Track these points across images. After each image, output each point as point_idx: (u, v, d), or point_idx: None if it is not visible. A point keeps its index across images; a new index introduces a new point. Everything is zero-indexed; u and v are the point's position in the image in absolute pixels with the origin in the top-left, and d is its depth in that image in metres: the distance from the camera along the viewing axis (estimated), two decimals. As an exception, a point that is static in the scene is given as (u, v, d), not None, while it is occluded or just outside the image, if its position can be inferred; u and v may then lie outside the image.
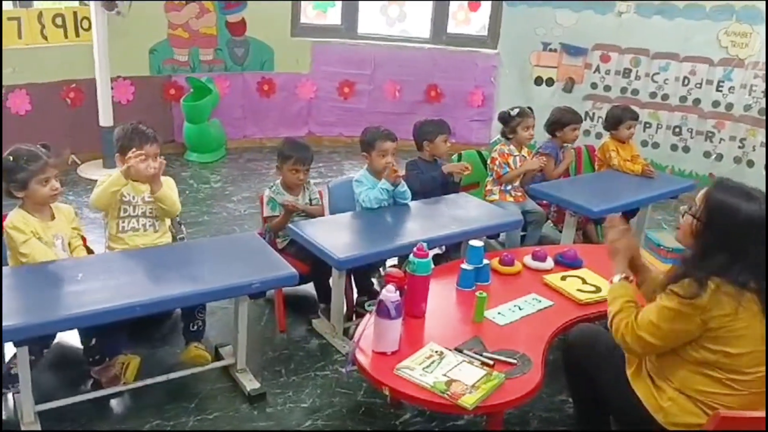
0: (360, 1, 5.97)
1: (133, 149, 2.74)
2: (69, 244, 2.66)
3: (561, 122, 4.16)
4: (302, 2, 5.87)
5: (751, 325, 1.82)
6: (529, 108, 4.05)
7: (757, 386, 1.90)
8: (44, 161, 2.52)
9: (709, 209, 1.88)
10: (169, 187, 2.89)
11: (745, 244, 1.80)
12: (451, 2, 6.05)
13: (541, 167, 3.97)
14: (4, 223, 2.50)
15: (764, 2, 4.87)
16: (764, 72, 4.96)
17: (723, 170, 5.24)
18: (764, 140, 5.00)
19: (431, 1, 6.01)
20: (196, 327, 2.73)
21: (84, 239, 2.81)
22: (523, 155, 3.98)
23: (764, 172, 4.90)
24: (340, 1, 5.95)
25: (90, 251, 2.81)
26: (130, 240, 2.82)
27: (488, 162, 4.02)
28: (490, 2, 5.97)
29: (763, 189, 1.92)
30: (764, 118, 5.00)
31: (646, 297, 2.20)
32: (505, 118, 4.02)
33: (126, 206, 2.81)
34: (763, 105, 4.99)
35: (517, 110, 3.99)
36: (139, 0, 5.01)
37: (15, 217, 2.51)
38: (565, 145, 4.21)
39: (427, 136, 3.71)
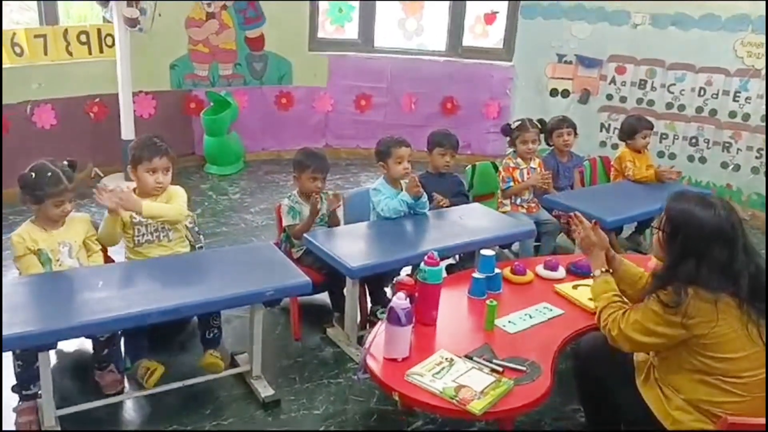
0: (376, 15, 6.06)
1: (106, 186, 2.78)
2: (87, 249, 2.72)
3: (547, 130, 4.16)
4: (320, 18, 5.97)
5: (734, 327, 1.89)
6: (540, 120, 4.05)
7: (759, 390, 1.91)
8: (63, 187, 2.56)
9: (669, 219, 2.01)
10: (170, 197, 2.89)
11: (705, 247, 1.90)
12: (467, 16, 6.11)
13: (544, 185, 3.89)
14: (12, 234, 2.60)
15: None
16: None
17: (740, 180, 5.22)
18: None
19: (447, 16, 6.07)
20: (211, 335, 2.79)
21: (105, 250, 2.88)
22: (532, 167, 3.97)
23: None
24: (357, 15, 6.03)
25: (110, 261, 2.90)
26: (146, 251, 2.86)
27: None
28: (506, 15, 6.02)
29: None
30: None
31: (624, 290, 2.28)
32: (505, 131, 4.04)
33: (138, 226, 2.83)
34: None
35: (517, 123, 4.01)
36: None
37: (22, 230, 2.61)
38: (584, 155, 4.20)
39: (428, 146, 3.76)
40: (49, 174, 2.56)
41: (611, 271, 2.31)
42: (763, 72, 5.04)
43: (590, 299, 2.65)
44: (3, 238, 3.92)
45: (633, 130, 4.23)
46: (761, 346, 1.89)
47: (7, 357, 2.50)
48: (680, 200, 2.02)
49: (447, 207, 3.58)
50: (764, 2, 4.91)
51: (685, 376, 1.97)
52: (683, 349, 1.95)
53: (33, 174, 2.56)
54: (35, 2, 4.92)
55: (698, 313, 1.88)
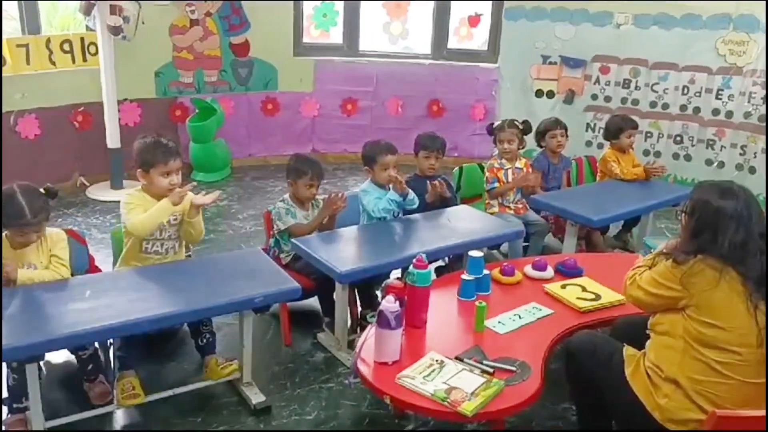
0: (361, 19, 6.07)
1: (187, 180, 2.73)
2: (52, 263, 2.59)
3: (542, 131, 4.20)
4: (305, 23, 5.98)
5: (731, 299, 1.98)
6: (525, 122, 4.06)
7: (749, 374, 1.98)
8: (24, 221, 2.42)
9: (691, 203, 2.14)
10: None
11: (722, 225, 2.02)
12: (451, 19, 6.14)
13: (530, 185, 3.92)
14: None
15: (764, 11, 4.91)
16: (763, 79, 5.00)
17: (725, 177, 5.17)
18: (765, 147, 5.03)
19: (431, 19, 6.09)
20: (204, 341, 2.78)
21: (92, 258, 2.86)
22: (518, 167, 3.97)
23: (765, 178, 4.92)
24: (341, 20, 6.04)
25: (98, 270, 2.88)
26: (149, 259, 2.81)
27: (486, 176, 4.05)
28: (490, 17, 6.05)
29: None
30: (764, 124, 5.02)
31: None
32: (489, 130, 4.07)
33: (157, 231, 2.78)
34: (763, 112, 5.02)
35: (498, 123, 4.04)
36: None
37: None
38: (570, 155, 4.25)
39: (414, 149, 3.77)
40: (13, 206, 2.42)
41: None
42: (745, 69, 5.10)
43: (579, 299, 2.69)
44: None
45: (618, 129, 4.27)
46: (757, 328, 1.96)
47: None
48: (703, 188, 2.15)
49: (443, 191, 3.55)
50: (743, 1, 4.97)
51: (674, 351, 2.04)
52: (679, 315, 2.05)
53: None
54: (17, 12, 4.88)
55: (700, 274, 2.00)
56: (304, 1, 5.90)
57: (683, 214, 2.16)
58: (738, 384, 1.98)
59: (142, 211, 2.69)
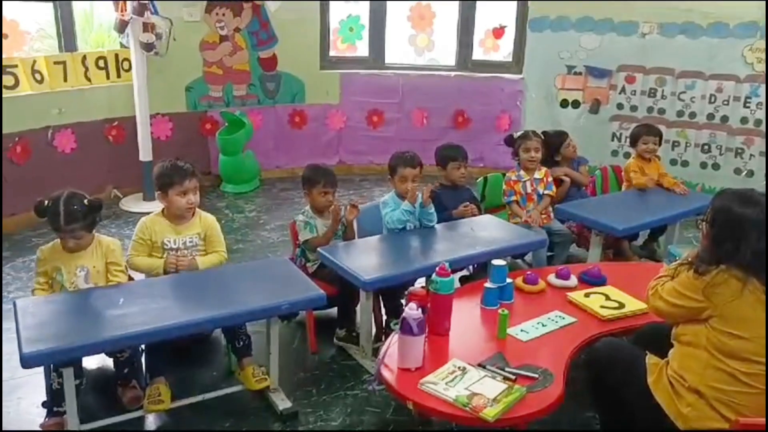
0: (387, 32, 6.16)
1: (173, 254, 2.88)
2: (109, 273, 2.78)
3: (554, 147, 4.24)
4: (331, 37, 6.08)
5: (755, 309, 1.98)
6: (544, 132, 4.08)
7: None
8: (58, 226, 2.64)
9: (713, 211, 2.13)
10: (207, 227, 3.00)
11: (744, 233, 2.01)
12: (476, 31, 6.17)
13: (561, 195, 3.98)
14: (41, 247, 2.77)
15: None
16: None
17: (755, 186, 5.16)
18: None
19: (456, 30, 6.15)
20: (242, 343, 2.84)
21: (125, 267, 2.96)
22: (536, 178, 3.95)
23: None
24: (367, 33, 6.13)
25: (131, 279, 2.98)
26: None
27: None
28: (514, 28, 6.09)
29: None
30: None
31: None
32: (508, 141, 4.10)
33: (170, 252, 2.91)
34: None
35: (520, 132, 4.06)
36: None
37: (49, 246, 2.76)
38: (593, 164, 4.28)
39: (441, 162, 3.81)
40: (53, 211, 2.64)
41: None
42: (772, 77, 5.06)
43: (603, 307, 2.70)
44: (15, 260, 4.04)
45: (636, 137, 4.29)
46: None
47: (38, 373, 2.58)
48: (723, 195, 2.14)
49: (474, 215, 3.66)
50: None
51: (698, 361, 2.04)
52: (702, 326, 2.04)
53: (46, 203, 2.66)
54: (54, 30, 5.06)
55: (723, 285, 1.99)
56: (330, 16, 6.00)
57: (704, 223, 2.15)
58: (759, 393, 1.97)
59: (144, 251, 2.91)
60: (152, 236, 2.92)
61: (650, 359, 2.21)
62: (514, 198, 3.92)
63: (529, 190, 3.94)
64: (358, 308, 3.14)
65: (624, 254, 4.07)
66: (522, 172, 3.97)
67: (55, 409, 2.55)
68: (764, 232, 1.99)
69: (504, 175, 4.21)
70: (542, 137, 4.02)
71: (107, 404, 2.74)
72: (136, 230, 2.94)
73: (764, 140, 5.18)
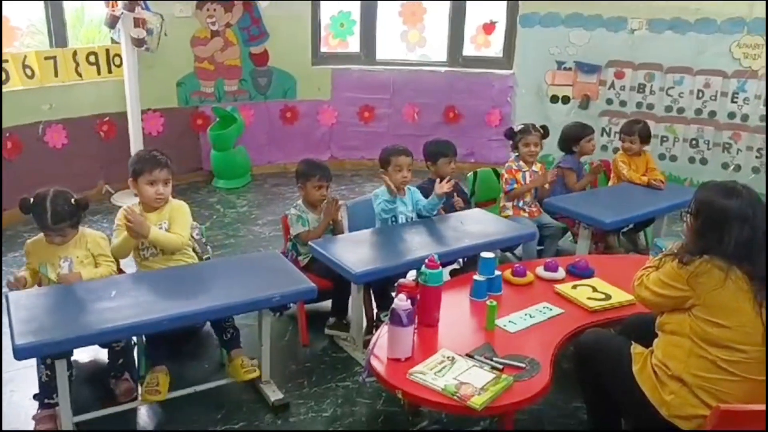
0: (377, 28, 6.19)
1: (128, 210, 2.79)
2: (97, 264, 2.81)
3: (573, 138, 4.27)
4: (322, 33, 6.10)
5: (737, 298, 2.01)
6: (543, 126, 4.14)
7: (753, 371, 2.02)
8: (45, 224, 2.67)
9: (696, 204, 2.17)
10: (173, 212, 2.95)
11: (727, 224, 2.04)
12: (467, 26, 6.20)
13: (552, 181, 4.04)
14: (28, 240, 2.83)
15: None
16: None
17: (741, 180, 5.16)
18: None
19: (447, 26, 6.18)
20: (229, 335, 2.87)
21: (118, 261, 2.97)
22: (534, 170, 4.06)
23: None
24: (358, 29, 6.15)
25: (122, 272, 2.99)
26: (155, 264, 2.93)
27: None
28: (505, 24, 6.12)
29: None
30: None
31: None
32: (508, 135, 4.14)
33: (143, 239, 2.88)
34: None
35: (521, 126, 4.11)
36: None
37: (34, 239, 2.81)
38: (584, 159, 4.31)
39: (430, 157, 3.85)
40: (40, 209, 2.67)
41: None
42: (760, 72, 5.10)
43: (590, 299, 2.74)
44: (6, 255, 4.05)
45: (619, 133, 4.39)
46: (762, 326, 1.99)
47: (30, 366, 2.59)
48: (706, 188, 2.17)
49: (462, 208, 3.72)
50: (759, 2, 4.98)
51: (681, 349, 2.08)
52: (686, 315, 2.08)
53: (32, 201, 2.69)
54: (45, 25, 5.06)
55: (706, 274, 2.03)
56: (321, 11, 6.02)
57: (688, 215, 2.19)
58: (742, 380, 2.02)
59: (121, 235, 2.86)
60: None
61: (635, 348, 2.25)
62: (516, 186, 3.98)
63: (528, 180, 4.02)
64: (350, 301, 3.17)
65: (611, 248, 4.12)
66: (521, 163, 4.04)
67: (46, 401, 2.56)
68: (747, 223, 2.02)
69: (494, 170, 4.27)
70: (542, 131, 4.07)
71: (98, 396, 2.76)
72: (116, 220, 2.93)
73: (751, 135, 5.23)
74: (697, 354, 2.05)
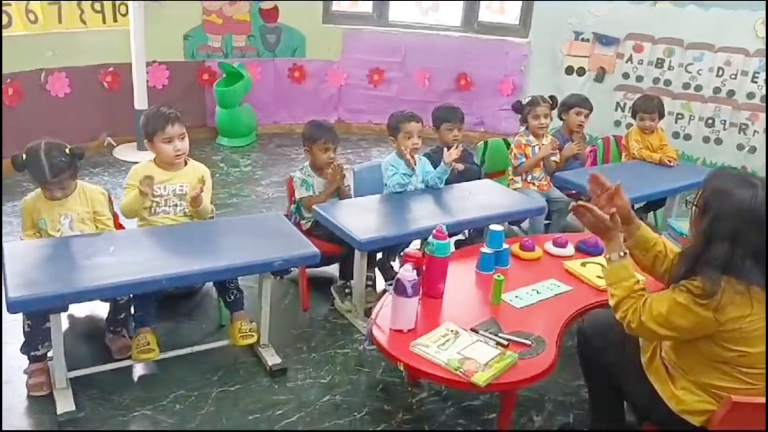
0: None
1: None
2: (96, 222, 2.72)
3: (566, 104, 4.13)
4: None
5: (762, 319, 1.80)
6: (552, 97, 4.01)
7: None
8: (44, 179, 2.54)
9: (705, 195, 1.87)
10: (197, 173, 2.88)
11: (739, 229, 1.77)
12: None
13: (556, 151, 3.93)
14: (24, 198, 2.69)
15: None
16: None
17: (756, 163, 5.16)
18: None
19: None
20: (233, 297, 2.81)
21: (116, 216, 2.90)
22: (544, 143, 3.93)
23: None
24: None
25: (122, 227, 2.92)
26: (158, 221, 2.85)
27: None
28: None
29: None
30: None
31: (635, 254, 2.13)
32: (516, 108, 4.02)
33: (158, 199, 2.81)
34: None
35: (528, 99, 3.98)
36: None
37: (32, 196, 2.66)
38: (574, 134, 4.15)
39: (434, 122, 3.75)
40: (35, 165, 2.53)
41: (625, 252, 2.09)
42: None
43: (599, 277, 2.66)
44: (5, 204, 3.98)
45: (634, 111, 4.25)
46: None
47: (16, 320, 2.54)
48: (719, 177, 1.87)
49: (461, 171, 3.58)
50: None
51: (698, 360, 1.92)
52: (703, 339, 1.86)
53: (24, 157, 2.55)
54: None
55: (731, 305, 1.76)
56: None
57: (695, 208, 1.91)
58: (762, 386, 1.88)
59: (132, 192, 2.76)
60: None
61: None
62: (524, 161, 3.88)
63: (537, 154, 3.90)
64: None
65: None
66: (531, 137, 3.93)
67: (32, 354, 2.52)
68: (763, 226, 1.75)
69: (505, 140, 4.17)
70: (551, 102, 3.94)
71: (93, 352, 2.72)
72: (127, 177, 2.86)
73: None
74: (716, 366, 1.88)
